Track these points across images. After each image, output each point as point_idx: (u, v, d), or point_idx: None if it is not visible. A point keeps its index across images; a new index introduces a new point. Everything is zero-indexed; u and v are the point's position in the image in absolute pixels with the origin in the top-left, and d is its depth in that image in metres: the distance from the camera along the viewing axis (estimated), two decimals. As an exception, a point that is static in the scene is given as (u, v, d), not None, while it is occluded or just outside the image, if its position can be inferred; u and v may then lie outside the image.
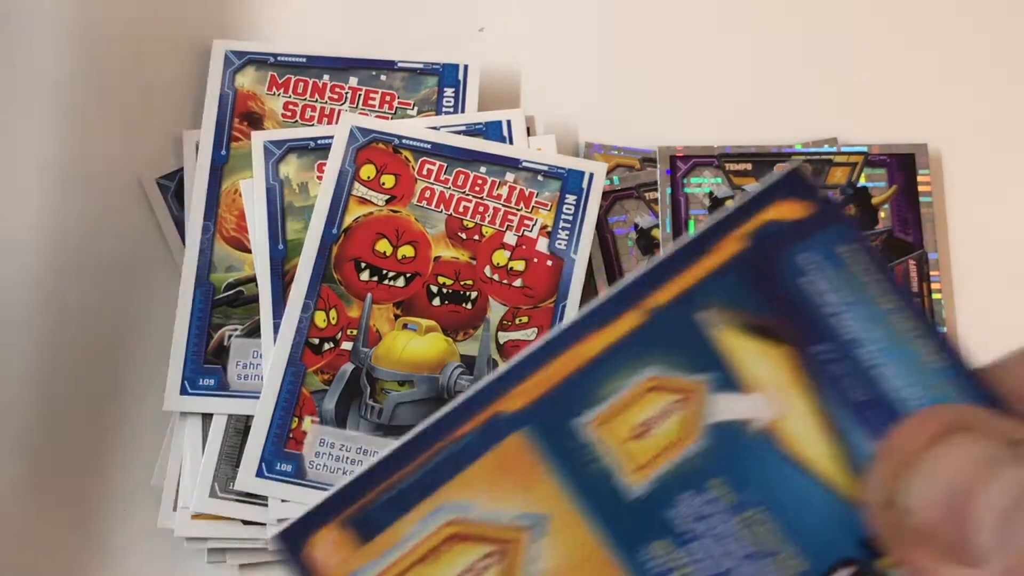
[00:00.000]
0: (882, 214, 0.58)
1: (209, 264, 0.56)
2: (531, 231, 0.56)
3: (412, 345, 0.55)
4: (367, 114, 0.58)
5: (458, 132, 0.57)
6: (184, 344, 0.55)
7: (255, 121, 0.58)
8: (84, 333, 0.56)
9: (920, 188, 0.59)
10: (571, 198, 0.56)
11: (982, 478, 0.18)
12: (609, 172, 0.58)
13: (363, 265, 0.55)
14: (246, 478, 0.52)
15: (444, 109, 0.58)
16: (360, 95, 0.59)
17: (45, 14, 0.61)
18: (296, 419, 0.53)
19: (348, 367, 0.54)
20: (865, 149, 0.59)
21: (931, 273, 0.57)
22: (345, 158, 0.56)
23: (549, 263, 0.56)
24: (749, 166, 0.59)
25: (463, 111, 0.58)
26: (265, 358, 0.54)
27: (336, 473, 0.53)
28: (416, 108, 0.59)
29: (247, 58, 0.59)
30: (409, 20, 0.62)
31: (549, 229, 0.56)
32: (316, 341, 0.54)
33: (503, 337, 0.55)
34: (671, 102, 0.62)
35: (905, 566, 0.19)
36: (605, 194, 0.57)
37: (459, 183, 0.56)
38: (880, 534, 0.20)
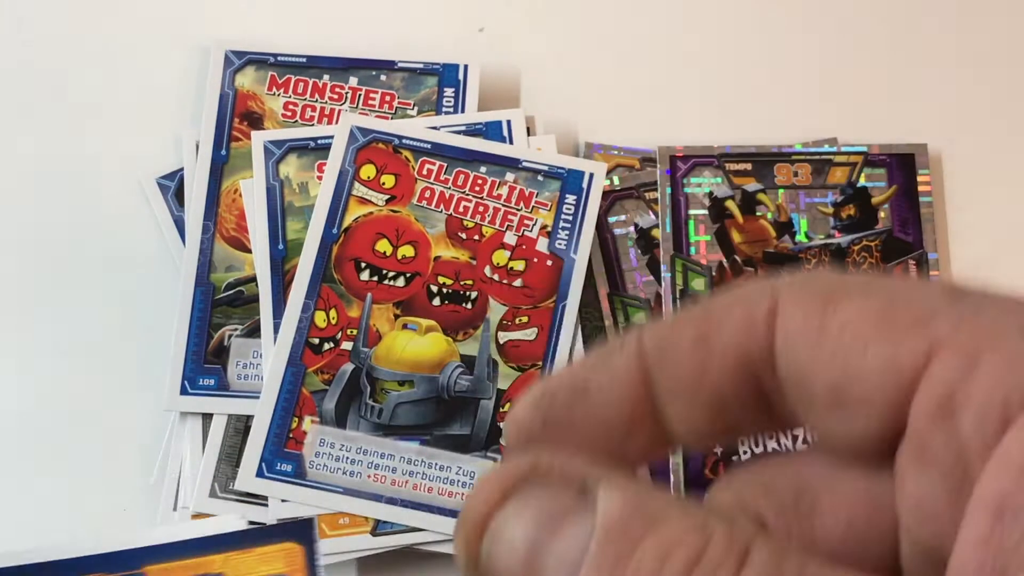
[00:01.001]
0: (882, 214, 0.58)
1: (209, 264, 0.56)
2: (531, 231, 0.56)
3: (412, 345, 0.55)
4: (367, 114, 0.58)
5: (458, 132, 0.57)
6: (184, 344, 0.55)
7: (255, 121, 0.58)
8: (84, 333, 0.56)
9: (920, 188, 0.59)
10: (571, 198, 0.56)
11: (549, 535, 0.18)
12: (609, 172, 0.58)
13: (363, 265, 0.55)
14: (246, 478, 0.52)
15: (444, 109, 0.58)
16: (360, 95, 0.59)
17: (44, 13, 0.61)
18: (296, 419, 0.53)
19: (348, 367, 0.54)
20: (865, 149, 0.59)
21: (931, 273, 0.57)
22: (345, 158, 0.56)
23: (549, 263, 0.56)
24: (749, 166, 0.59)
25: (463, 111, 0.58)
26: (265, 358, 0.54)
27: (336, 473, 0.53)
28: (416, 108, 0.59)
29: (247, 58, 0.59)
30: (409, 20, 0.62)
31: (549, 229, 0.56)
32: (316, 341, 0.54)
33: (503, 337, 0.55)
34: (671, 102, 0.62)
35: None
36: (605, 194, 0.57)
37: (459, 183, 0.56)
38: None
